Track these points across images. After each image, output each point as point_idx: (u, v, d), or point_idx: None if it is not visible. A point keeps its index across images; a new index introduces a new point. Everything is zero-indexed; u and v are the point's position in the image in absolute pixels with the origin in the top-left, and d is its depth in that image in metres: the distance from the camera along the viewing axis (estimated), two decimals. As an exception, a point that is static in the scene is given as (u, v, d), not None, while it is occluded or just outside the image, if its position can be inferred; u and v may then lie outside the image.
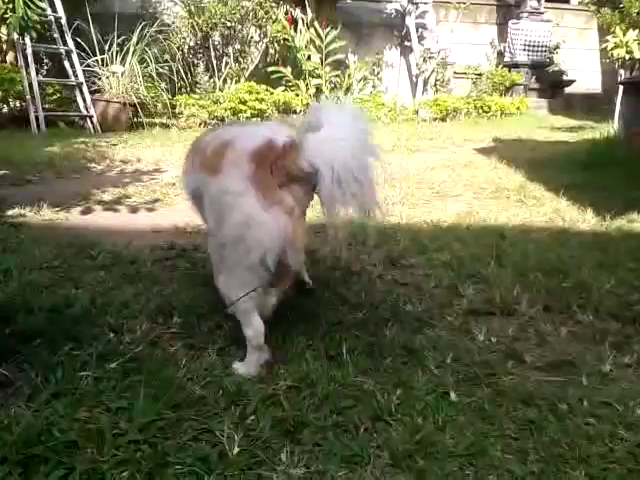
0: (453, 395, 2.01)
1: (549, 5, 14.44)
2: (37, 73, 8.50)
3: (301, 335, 2.39)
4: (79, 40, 9.02)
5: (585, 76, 14.76)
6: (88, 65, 9.07)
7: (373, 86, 12.64)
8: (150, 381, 1.95)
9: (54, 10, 8.75)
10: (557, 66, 14.44)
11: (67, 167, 5.79)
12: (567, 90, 14.51)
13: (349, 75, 11.83)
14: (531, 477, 1.63)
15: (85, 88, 8.86)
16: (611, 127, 9.39)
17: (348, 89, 11.82)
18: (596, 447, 1.77)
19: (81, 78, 8.88)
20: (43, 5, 8.52)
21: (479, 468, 1.66)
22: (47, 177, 5.45)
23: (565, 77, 14.37)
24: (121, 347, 2.20)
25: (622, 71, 10.13)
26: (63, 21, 8.80)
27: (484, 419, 1.88)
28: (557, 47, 14.50)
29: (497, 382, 2.11)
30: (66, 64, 8.92)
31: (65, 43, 8.86)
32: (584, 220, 4.36)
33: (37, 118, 8.19)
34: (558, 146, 8.35)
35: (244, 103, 9.69)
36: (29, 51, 8.18)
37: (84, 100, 8.83)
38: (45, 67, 10.09)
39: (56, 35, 8.80)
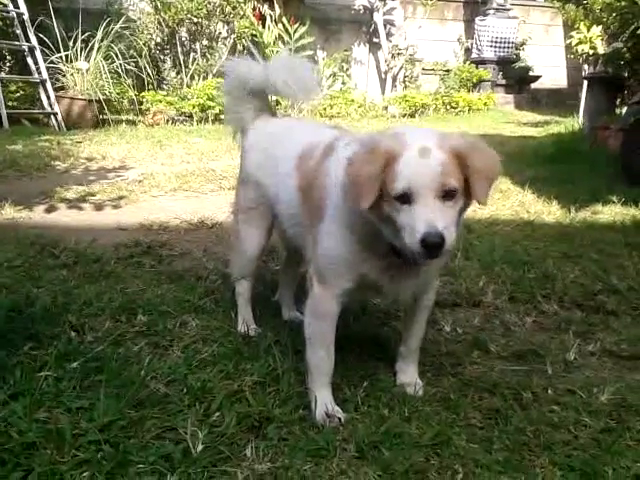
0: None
1: (515, 2, 14.58)
2: (-1, 70, 8.28)
3: (269, 330, 2.38)
4: (42, 36, 8.81)
5: (551, 72, 14.97)
6: (52, 62, 8.88)
7: (342, 82, 12.61)
8: (112, 380, 1.91)
9: (16, 6, 8.53)
10: (523, 62, 14.60)
11: (30, 165, 5.66)
12: (533, 85, 14.70)
13: (318, 71, 11.79)
14: (496, 466, 1.63)
15: (49, 85, 8.67)
16: (576, 121, 9.54)
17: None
18: (560, 434, 1.79)
19: (45, 75, 8.68)
20: (4, 1, 8.33)
21: (444, 458, 1.66)
22: (10, 175, 5.32)
23: (531, 73, 14.54)
24: (82, 346, 2.16)
25: (586, 66, 10.27)
26: (25, 17, 8.59)
27: (449, 409, 1.89)
28: (523, 43, 14.67)
29: (463, 372, 2.13)
30: (29, 61, 8.70)
31: (28, 39, 8.65)
32: (549, 212, 4.42)
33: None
34: (524, 140, 8.46)
35: (212, 99, 9.59)
36: (-10, 48, 7.98)
37: (48, 97, 8.64)
38: (8, 64, 9.85)
39: (18, 31, 8.58)
